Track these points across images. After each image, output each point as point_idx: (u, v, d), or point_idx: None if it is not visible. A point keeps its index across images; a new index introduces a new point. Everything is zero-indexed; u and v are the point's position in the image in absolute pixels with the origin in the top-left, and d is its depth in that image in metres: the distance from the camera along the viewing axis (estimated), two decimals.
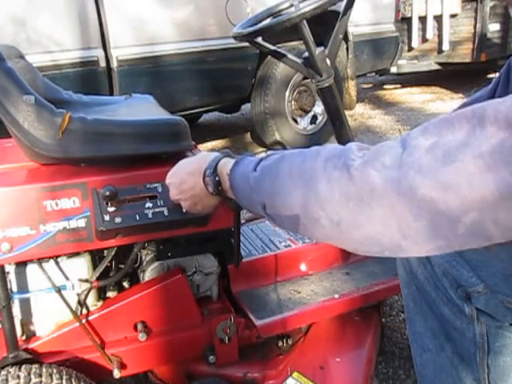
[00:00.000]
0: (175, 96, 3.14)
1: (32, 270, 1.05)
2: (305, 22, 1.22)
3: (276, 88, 3.47)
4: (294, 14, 1.18)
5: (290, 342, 1.27)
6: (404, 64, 5.73)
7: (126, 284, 1.19)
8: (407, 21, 5.51)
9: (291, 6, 1.36)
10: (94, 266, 1.11)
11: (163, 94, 2.87)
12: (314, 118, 3.78)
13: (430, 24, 5.50)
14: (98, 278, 1.10)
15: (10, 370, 0.96)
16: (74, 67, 2.74)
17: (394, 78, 6.63)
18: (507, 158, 0.47)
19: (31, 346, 1.06)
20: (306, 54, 1.28)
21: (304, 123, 3.74)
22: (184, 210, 0.97)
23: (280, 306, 1.22)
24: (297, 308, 1.21)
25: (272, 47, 1.36)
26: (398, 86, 6.35)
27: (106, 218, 0.99)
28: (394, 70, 5.57)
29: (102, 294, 1.16)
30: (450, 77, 6.18)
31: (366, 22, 4.14)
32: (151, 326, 1.12)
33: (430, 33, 5.54)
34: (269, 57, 3.35)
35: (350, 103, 4.31)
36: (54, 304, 1.06)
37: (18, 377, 0.94)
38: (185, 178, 0.90)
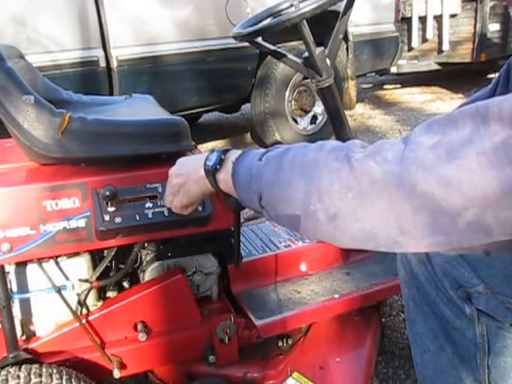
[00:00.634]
0: (175, 96, 3.14)
1: (32, 269, 1.05)
2: (305, 21, 1.22)
3: (276, 88, 3.47)
4: (294, 14, 1.18)
5: (290, 341, 1.26)
6: (404, 64, 5.73)
7: (126, 284, 1.19)
8: (407, 21, 5.51)
9: (291, 6, 1.36)
10: (94, 266, 1.11)
11: (163, 94, 2.87)
12: (314, 117, 3.78)
13: (430, 24, 5.51)
14: (98, 278, 1.10)
15: (10, 370, 0.96)
16: (74, 67, 2.74)
17: (393, 78, 6.63)
18: (511, 155, 0.47)
19: (31, 345, 1.06)
20: (306, 53, 1.29)
21: (304, 123, 3.74)
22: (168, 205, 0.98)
23: (280, 306, 1.22)
24: (297, 308, 1.21)
25: (272, 47, 1.36)
26: (398, 85, 6.35)
27: (106, 218, 0.99)
28: (393, 70, 5.57)
29: (102, 294, 1.16)
30: (449, 77, 6.19)
31: (366, 22, 4.15)
32: (151, 326, 1.12)
33: (430, 33, 5.55)
34: (269, 57, 3.35)
35: (350, 103, 4.31)
36: (54, 304, 1.06)
37: (18, 377, 0.94)
38: (185, 162, 0.92)
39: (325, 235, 0.63)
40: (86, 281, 1.09)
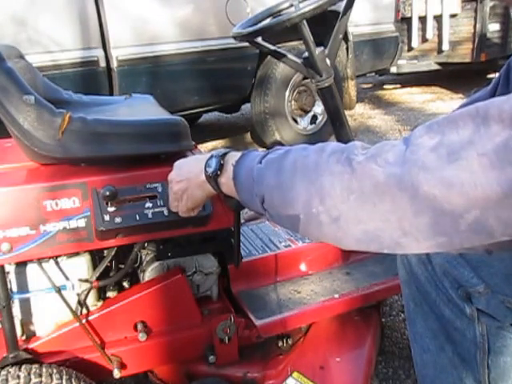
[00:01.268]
0: (175, 96, 3.15)
1: (32, 269, 1.05)
2: (305, 22, 1.22)
3: (276, 88, 3.47)
4: (294, 14, 1.18)
5: (290, 341, 1.26)
6: (404, 64, 5.73)
7: (126, 284, 1.19)
8: (407, 21, 5.51)
9: (291, 5, 1.36)
10: (94, 266, 1.11)
11: (163, 94, 2.87)
12: (314, 117, 3.78)
13: (430, 24, 5.50)
14: (98, 278, 1.10)
15: (10, 369, 0.96)
16: (74, 67, 2.74)
17: (393, 78, 6.63)
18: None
19: (31, 345, 1.06)
20: (306, 54, 1.29)
21: (304, 123, 3.74)
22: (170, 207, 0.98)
23: (280, 306, 1.22)
24: (297, 308, 1.21)
25: (272, 47, 1.36)
26: (398, 85, 6.35)
27: (106, 217, 0.99)
28: (393, 69, 5.58)
29: (102, 294, 1.16)
30: (449, 77, 6.19)
31: (366, 22, 4.14)
32: (151, 326, 1.12)
33: (430, 33, 5.54)
34: (269, 57, 3.35)
35: (350, 103, 4.31)
36: (54, 304, 1.06)
37: (18, 377, 0.94)
38: (184, 167, 0.91)
39: (328, 237, 0.64)
40: (86, 281, 1.09)
